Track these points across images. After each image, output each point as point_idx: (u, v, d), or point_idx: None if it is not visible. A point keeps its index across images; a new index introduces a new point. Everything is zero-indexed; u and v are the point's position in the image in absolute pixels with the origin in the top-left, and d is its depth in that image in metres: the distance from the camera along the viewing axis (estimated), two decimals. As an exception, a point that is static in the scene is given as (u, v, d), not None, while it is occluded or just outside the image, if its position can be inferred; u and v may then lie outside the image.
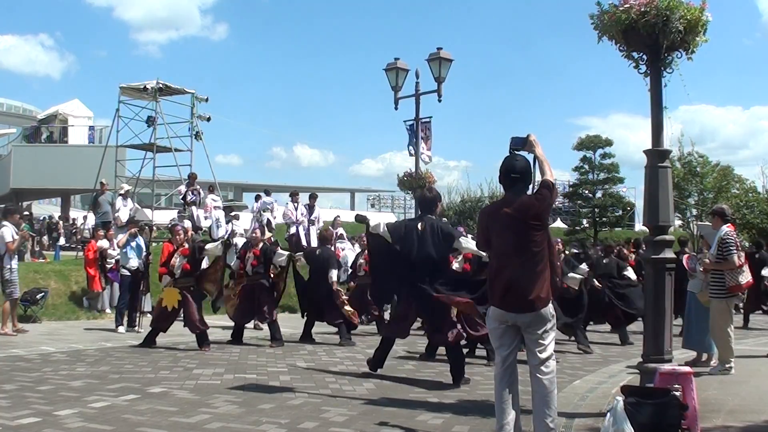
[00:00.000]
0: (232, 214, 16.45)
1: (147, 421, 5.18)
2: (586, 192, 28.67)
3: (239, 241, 11.40)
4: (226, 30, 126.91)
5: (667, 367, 4.96)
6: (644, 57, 5.35)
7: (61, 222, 28.13)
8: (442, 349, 7.64)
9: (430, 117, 15.69)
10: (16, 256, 10.41)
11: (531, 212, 4.42)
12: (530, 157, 4.62)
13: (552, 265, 4.52)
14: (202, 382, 6.80)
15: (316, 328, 10.42)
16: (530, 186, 4.58)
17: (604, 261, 11.02)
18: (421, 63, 15.53)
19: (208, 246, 9.80)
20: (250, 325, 10.55)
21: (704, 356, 8.04)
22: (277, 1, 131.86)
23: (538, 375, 4.36)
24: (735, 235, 7.55)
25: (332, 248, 11.09)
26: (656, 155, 5.42)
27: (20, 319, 10.50)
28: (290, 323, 10.90)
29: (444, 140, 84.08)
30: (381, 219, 7.54)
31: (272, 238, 12.53)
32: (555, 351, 4.55)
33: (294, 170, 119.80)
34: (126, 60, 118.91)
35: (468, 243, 7.15)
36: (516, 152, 4.62)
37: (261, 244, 9.92)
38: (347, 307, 10.10)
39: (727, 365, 7.32)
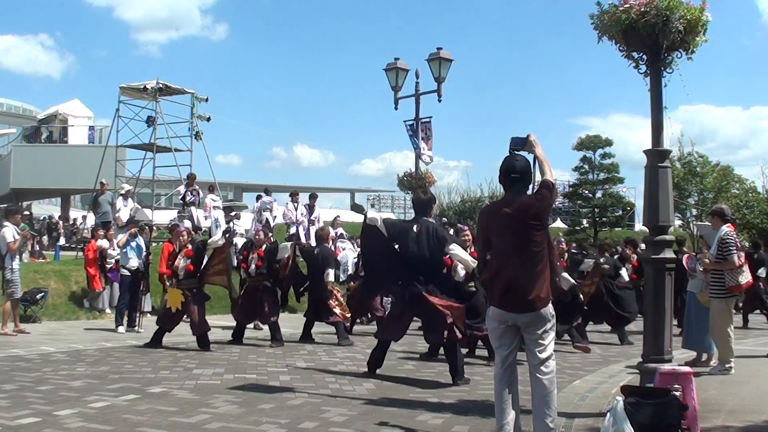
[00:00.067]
0: (233, 213, 16.45)
1: (147, 421, 5.18)
2: (586, 192, 28.68)
3: (239, 241, 11.41)
4: (226, 30, 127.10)
5: (667, 367, 4.97)
6: (644, 57, 5.35)
7: (61, 222, 28.13)
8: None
9: (430, 117, 15.73)
10: (18, 257, 10.42)
11: (531, 212, 4.42)
12: (530, 157, 4.62)
13: (552, 265, 4.52)
14: (202, 382, 6.80)
15: (316, 328, 10.42)
16: (530, 186, 4.58)
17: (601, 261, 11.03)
18: (421, 63, 15.57)
19: (210, 240, 9.83)
20: (250, 325, 10.55)
21: (704, 356, 8.04)
22: (277, 1, 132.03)
23: (537, 375, 4.36)
24: (735, 235, 7.55)
25: (332, 248, 11.11)
26: (656, 155, 5.42)
27: (20, 319, 10.50)
28: (290, 323, 10.90)
29: (444, 140, 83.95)
30: (379, 215, 7.52)
31: (272, 238, 12.55)
32: (555, 351, 4.55)
33: (294, 170, 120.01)
34: (126, 60, 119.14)
35: (458, 251, 7.12)
36: (516, 152, 4.62)
37: (264, 245, 9.92)
38: (338, 309, 10.13)
39: (727, 365, 7.32)
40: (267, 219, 16.87)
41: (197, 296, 9.23)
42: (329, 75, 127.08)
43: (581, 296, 9.78)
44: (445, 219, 19.52)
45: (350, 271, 13.32)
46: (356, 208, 7.44)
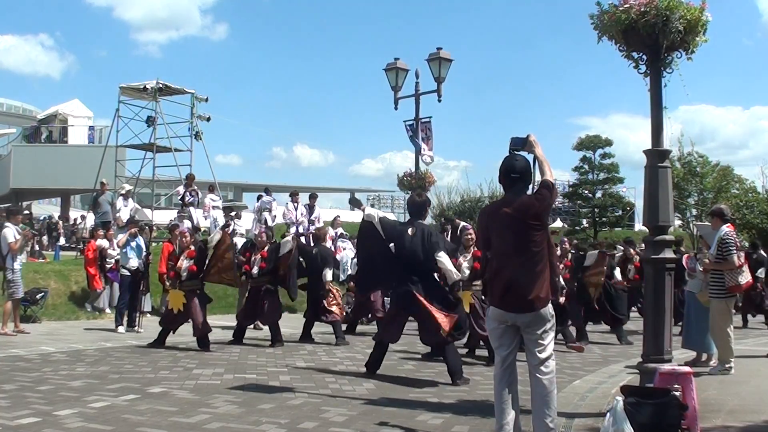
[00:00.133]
0: (233, 213, 16.43)
1: (147, 421, 5.18)
2: (586, 192, 28.71)
3: (239, 241, 11.40)
4: (226, 30, 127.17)
5: (667, 367, 4.97)
6: (644, 57, 5.35)
7: (60, 222, 28.13)
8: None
9: (430, 117, 15.72)
10: (19, 257, 10.42)
11: (531, 212, 4.42)
12: (530, 157, 4.62)
13: (552, 265, 4.52)
14: (202, 382, 6.80)
15: (316, 328, 10.42)
16: (530, 186, 4.58)
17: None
18: (421, 63, 15.56)
19: (209, 239, 9.82)
20: (250, 325, 10.54)
21: (704, 356, 8.04)
22: (277, 1, 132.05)
23: (537, 375, 4.36)
24: (734, 236, 7.55)
25: (331, 247, 11.11)
26: (656, 155, 5.42)
27: (20, 319, 10.49)
28: (290, 323, 10.90)
29: (444, 140, 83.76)
30: (376, 212, 7.48)
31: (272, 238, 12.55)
32: (554, 351, 4.55)
33: (294, 170, 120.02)
34: (126, 60, 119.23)
35: (444, 260, 7.09)
36: (516, 152, 4.62)
37: (267, 246, 9.90)
38: (335, 308, 10.15)
39: (726, 365, 7.32)
40: (265, 219, 16.87)
41: (199, 298, 9.22)
42: (329, 75, 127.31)
43: (591, 288, 9.93)
44: (443, 219, 19.47)
45: (350, 271, 13.34)
46: (354, 202, 7.41)
